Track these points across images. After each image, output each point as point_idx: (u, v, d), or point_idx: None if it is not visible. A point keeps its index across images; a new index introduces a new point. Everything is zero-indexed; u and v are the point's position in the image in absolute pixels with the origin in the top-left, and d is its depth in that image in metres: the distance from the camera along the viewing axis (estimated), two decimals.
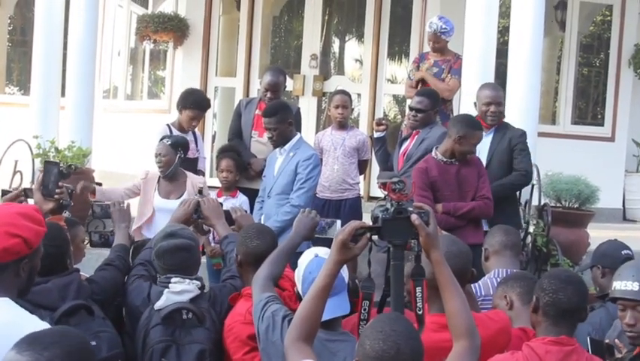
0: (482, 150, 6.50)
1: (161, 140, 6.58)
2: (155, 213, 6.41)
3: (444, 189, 6.06)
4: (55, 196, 4.41)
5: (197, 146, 7.31)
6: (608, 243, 5.03)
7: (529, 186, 7.09)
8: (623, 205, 11.07)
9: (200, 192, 6.56)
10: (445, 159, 6.11)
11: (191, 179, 6.58)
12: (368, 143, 7.37)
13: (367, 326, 2.83)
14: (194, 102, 7.24)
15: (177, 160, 6.49)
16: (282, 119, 6.21)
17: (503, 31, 9.40)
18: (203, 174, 7.34)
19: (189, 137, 7.22)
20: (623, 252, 4.78)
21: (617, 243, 4.96)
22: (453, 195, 6.04)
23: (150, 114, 11.18)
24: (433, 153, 6.17)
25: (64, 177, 4.52)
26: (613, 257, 4.75)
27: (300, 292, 3.60)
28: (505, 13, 9.26)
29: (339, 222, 4.46)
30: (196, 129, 7.52)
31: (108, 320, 3.95)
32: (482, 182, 6.08)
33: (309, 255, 3.61)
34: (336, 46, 14.25)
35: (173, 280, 4.08)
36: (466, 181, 6.08)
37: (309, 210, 4.33)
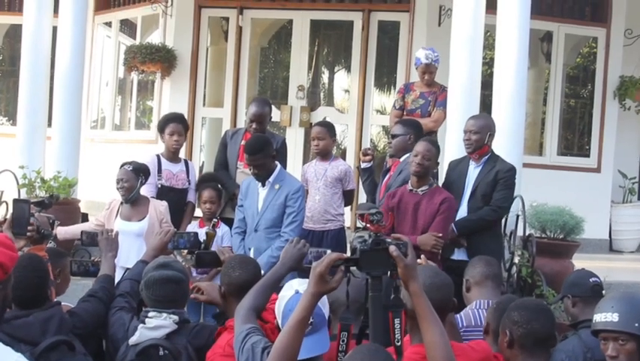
0: (470, 180, 6.53)
1: (122, 166, 6.55)
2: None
3: (399, 216, 6.09)
4: (28, 234, 4.35)
5: (188, 177, 7.23)
6: (576, 272, 5.03)
7: (515, 217, 7.11)
8: (610, 236, 11.09)
9: (212, 226, 6.58)
10: (410, 187, 6.18)
11: (154, 203, 6.55)
12: (352, 173, 7.34)
13: (346, 357, 2.83)
14: (166, 120, 7.28)
15: (139, 185, 6.47)
16: (267, 154, 6.22)
17: (490, 63, 9.46)
18: (193, 206, 7.30)
19: (181, 167, 7.20)
20: (591, 280, 4.76)
21: (584, 271, 4.94)
22: (406, 225, 6.05)
23: (138, 145, 11.19)
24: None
25: (46, 207, 4.48)
26: (581, 285, 4.72)
27: (281, 327, 3.57)
28: (492, 45, 9.32)
29: (329, 252, 4.41)
30: (189, 161, 7.51)
31: (89, 356, 3.90)
32: (438, 221, 6.05)
33: (290, 290, 3.54)
34: (324, 77, 14.37)
35: (149, 314, 4.05)
36: (421, 213, 6.10)
37: (297, 240, 4.26)
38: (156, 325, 4.02)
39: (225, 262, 4.38)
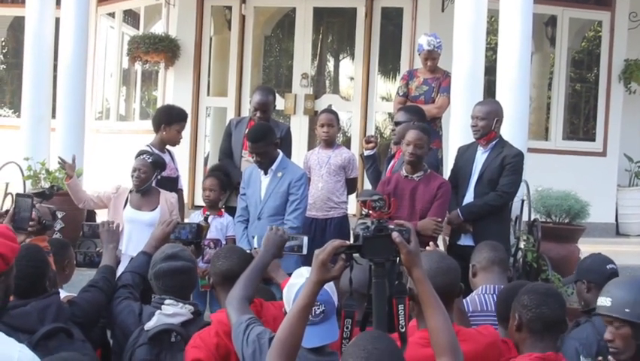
0: (477, 165, 6.52)
1: (142, 155, 6.53)
2: (126, 225, 6.29)
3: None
4: (29, 229, 4.34)
5: (174, 165, 7.26)
6: (592, 257, 4.93)
7: (520, 202, 7.09)
8: (616, 220, 11.08)
9: (205, 218, 6.57)
10: (405, 173, 6.20)
11: (165, 195, 6.55)
12: (355, 161, 7.33)
13: (350, 344, 2.82)
14: (179, 115, 7.21)
15: (153, 178, 6.48)
16: (269, 142, 6.21)
17: (495, 48, 9.43)
18: (181, 191, 7.31)
19: (167, 156, 7.19)
20: (608, 267, 4.72)
21: (601, 257, 4.87)
22: (404, 210, 6.05)
23: (143, 135, 11.14)
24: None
25: (47, 198, 4.47)
26: (598, 272, 4.67)
27: None
28: (496, 30, 9.30)
29: (306, 238, 4.52)
30: (171, 150, 7.48)
31: (88, 343, 3.90)
32: (436, 206, 6.09)
33: (300, 278, 3.51)
34: (328, 65, 14.33)
35: (166, 301, 4.08)
36: (419, 198, 6.12)
37: (277, 228, 4.30)
38: (174, 312, 4.06)
39: (214, 254, 4.42)
